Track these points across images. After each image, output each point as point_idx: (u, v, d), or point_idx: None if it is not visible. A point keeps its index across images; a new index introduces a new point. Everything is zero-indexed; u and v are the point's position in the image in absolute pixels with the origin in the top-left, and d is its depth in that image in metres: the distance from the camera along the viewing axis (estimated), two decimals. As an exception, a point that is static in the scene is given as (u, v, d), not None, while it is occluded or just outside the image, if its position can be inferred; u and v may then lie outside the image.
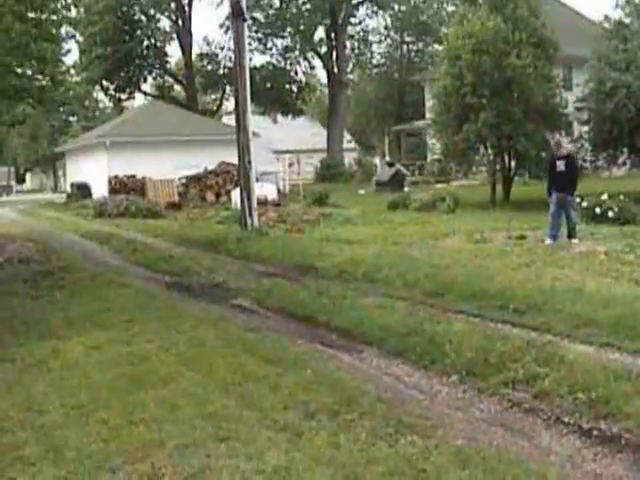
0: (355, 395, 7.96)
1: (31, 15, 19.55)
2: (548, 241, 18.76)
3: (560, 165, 19.21)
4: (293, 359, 9.41)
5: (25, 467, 6.54)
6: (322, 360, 9.53)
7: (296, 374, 8.70)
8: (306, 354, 9.80)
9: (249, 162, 21.29)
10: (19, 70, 20.45)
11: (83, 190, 49.17)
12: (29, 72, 21.06)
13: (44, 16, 20.00)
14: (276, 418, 7.36)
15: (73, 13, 23.60)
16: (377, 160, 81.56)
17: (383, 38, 77.19)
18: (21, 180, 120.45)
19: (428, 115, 46.50)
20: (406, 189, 41.92)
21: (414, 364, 9.38)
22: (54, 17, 20.68)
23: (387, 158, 63.47)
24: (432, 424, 7.17)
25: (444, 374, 8.86)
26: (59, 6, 20.98)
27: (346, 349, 10.27)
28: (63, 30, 23.37)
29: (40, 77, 21.41)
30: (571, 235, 19.06)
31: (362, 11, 70.16)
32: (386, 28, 76.03)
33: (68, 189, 55.00)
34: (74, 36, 50.02)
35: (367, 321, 11.23)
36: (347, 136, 76.87)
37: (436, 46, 71.33)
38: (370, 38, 74.39)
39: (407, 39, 76.99)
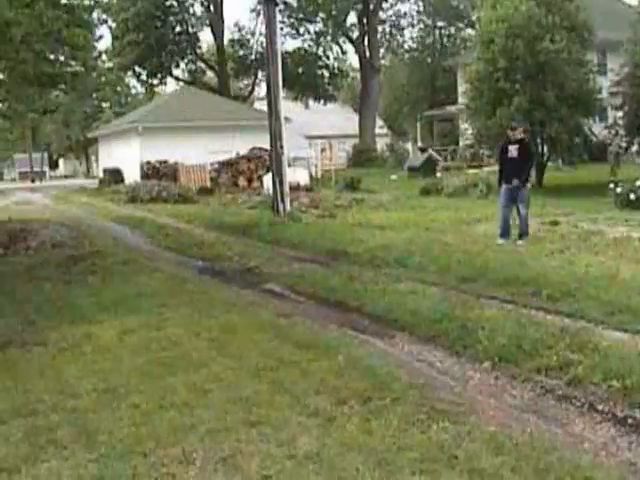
0: (387, 381, 7.92)
1: (63, 1, 19.60)
2: (499, 240, 17.10)
3: (512, 150, 17.46)
4: (325, 344, 9.39)
5: (57, 450, 6.55)
6: (354, 346, 9.50)
7: (328, 359, 8.68)
8: (338, 339, 9.78)
9: (281, 147, 21.27)
10: (52, 56, 20.51)
11: (115, 175, 49.39)
12: (62, 58, 21.12)
13: (76, 2, 20.05)
14: (307, 403, 7.34)
15: (105, -1, 23.74)
16: (409, 145, 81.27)
17: (415, 23, 76.78)
18: (54, 166, 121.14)
19: (461, 100, 46.28)
20: (438, 174, 41.75)
21: (446, 350, 9.34)
22: (86, 2, 20.74)
23: (419, 143, 63.23)
24: (464, 410, 7.12)
25: (476, 360, 8.80)
26: (91, -9, 21.08)
27: (378, 335, 10.24)
28: (95, 16, 23.40)
29: (73, 63, 21.46)
30: (521, 235, 17.28)
31: (395, -5, 69.96)
32: (418, 12, 75.63)
33: (100, 175, 55.25)
34: (106, 21, 50.21)
35: (399, 307, 11.19)
36: (379, 121, 76.60)
37: (469, 30, 71.03)
38: (402, 23, 74.10)
39: (439, 24, 76.51)
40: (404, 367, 8.64)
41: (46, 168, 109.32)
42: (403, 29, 75.31)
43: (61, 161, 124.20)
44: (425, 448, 6.23)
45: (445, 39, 77.86)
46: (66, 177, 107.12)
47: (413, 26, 76.85)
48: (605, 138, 34.82)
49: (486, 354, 8.82)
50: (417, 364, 8.87)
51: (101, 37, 31.44)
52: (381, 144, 72.92)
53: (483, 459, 5.99)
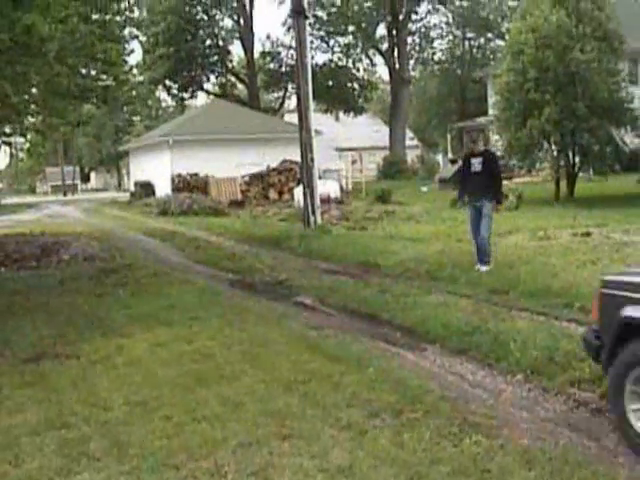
0: (419, 394, 7.90)
1: (95, 16, 19.76)
2: (480, 267, 15.01)
3: (475, 164, 15.29)
4: (356, 357, 9.38)
5: (90, 462, 6.58)
6: (385, 358, 9.49)
7: (359, 372, 8.67)
8: (369, 352, 9.77)
9: (312, 160, 21.30)
10: (84, 70, 20.69)
11: (146, 188, 49.63)
12: (93, 72, 21.29)
13: (108, 17, 20.21)
14: (339, 416, 7.33)
15: (136, 13, 23.88)
16: (439, 157, 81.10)
17: (444, 34, 76.66)
18: (86, 179, 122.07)
19: (491, 111, 46.15)
20: (469, 186, 41.59)
21: (478, 362, 9.31)
22: (118, 18, 20.90)
23: (450, 155, 63.06)
24: (497, 423, 7.09)
25: (509, 373, 8.77)
26: (122, 7, 21.21)
27: (409, 347, 10.22)
28: (127, 31, 23.55)
29: (104, 77, 21.63)
30: (482, 259, 15.08)
31: (423, 7, 69.86)
32: (447, 24, 75.48)
33: (132, 188, 55.55)
34: (137, 36, 50.52)
35: (431, 319, 11.17)
36: (409, 133, 76.58)
37: (498, 41, 70.81)
38: (431, 34, 74.02)
39: (469, 35, 76.35)
40: (436, 380, 8.62)
41: (78, 181, 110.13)
42: (433, 40, 75.23)
43: (92, 174, 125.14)
44: (457, 461, 6.21)
45: (475, 50, 77.71)
46: (97, 190, 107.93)
47: (442, 37, 76.78)
48: (637, 148, 34.56)
49: (518, 366, 8.79)
50: (449, 377, 8.84)
51: (132, 51, 31.86)
52: (411, 156, 72.90)
53: (515, 473, 5.96)
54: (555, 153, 32.93)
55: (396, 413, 7.37)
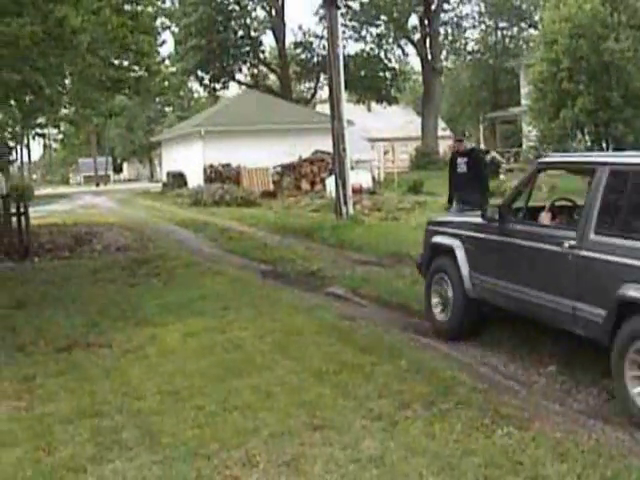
0: (451, 385, 7.88)
1: (127, 8, 19.83)
2: None
3: (461, 164, 14.67)
4: (388, 348, 9.37)
5: (122, 451, 6.62)
6: (417, 349, 9.49)
7: (391, 363, 8.66)
8: (401, 343, 9.77)
9: (344, 150, 21.27)
10: (116, 62, 20.76)
11: (178, 179, 49.72)
12: (126, 63, 21.35)
13: (140, 8, 20.26)
14: (371, 407, 7.32)
15: (168, 4, 23.95)
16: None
17: (477, 24, 76.23)
18: (118, 170, 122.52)
19: (523, 102, 45.87)
20: (502, 176, 41.38)
21: (510, 354, 9.25)
22: (150, 9, 20.93)
23: (482, 145, 62.76)
24: (529, 415, 7.05)
25: (541, 364, 8.72)
26: (154, -2, 21.29)
27: (440, 338, 10.18)
28: (158, 21, 23.60)
29: (136, 68, 21.69)
30: None
31: (456, -4, 69.53)
32: (480, 14, 75.06)
33: (164, 178, 55.70)
34: (169, 27, 50.57)
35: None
36: (441, 124, 76.23)
37: (531, 31, 70.30)
38: (464, 24, 73.63)
39: (501, 24, 75.87)
40: (467, 371, 8.59)
41: (110, 172, 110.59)
42: (465, 30, 74.82)
43: (125, 165, 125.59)
44: (489, 453, 6.18)
45: (507, 40, 77.25)
46: (130, 181, 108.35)
47: (475, 27, 76.37)
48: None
49: (551, 358, 8.73)
50: (481, 368, 8.82)
51: (164, 42, 31.86)
52: (443, 146, 72.53)
53: (548, 466, 5.92)
54: (589, 144, 32.69)
55: (428, 404, 7.35)
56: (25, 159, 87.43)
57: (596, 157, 9.70)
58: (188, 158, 49.00)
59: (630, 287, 7.04)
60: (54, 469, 6.28)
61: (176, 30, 59.99)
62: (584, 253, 7.76)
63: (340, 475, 5.95)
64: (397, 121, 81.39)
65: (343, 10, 55.63)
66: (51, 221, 28.49)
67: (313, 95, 73.01)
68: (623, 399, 7.17)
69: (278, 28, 65.16)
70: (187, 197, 38.79)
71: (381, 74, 66.88)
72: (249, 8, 66.41)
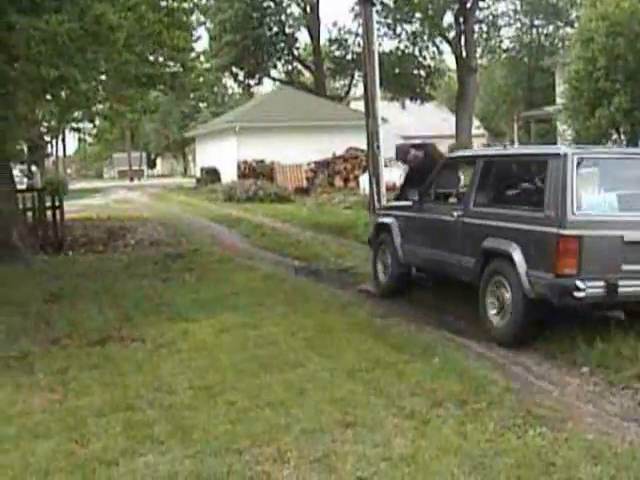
0: (483, 384, 7.87)
1: (163, 4, 19.89)
2: None
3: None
4: (421, 346, 9.37)
5: (154, 445, 6.65)
6: (450, 348, 9.48)
7: (424, 361, 8.66)
8: (434, 341, 9.76)
9: (378, 147, 21.11)
10: (151, 57, 20.81)
11: (212, 175, 49.82)
12: (161, 59, 21.41)
13: (176, 4, 20.30)
14: (403, 405, 7.32)
15: (203, 0, 24.00)
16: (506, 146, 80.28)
17: (512, 22, 75.68)
18: (152, 165, 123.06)
19: (559, 100, 45.44)
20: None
21: (544, 354, 9.21)
22: (185, 5, 20.98)
23: (516, 144, 62.43)
24: (562, 416, 7.03)
25: (574, 365, 8.69)
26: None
27: (474, 337, 10.17)
28: (194, 17, 23.65)
29: (171, 64, 21.75)
30: None
31: (492, -6, 69.08)
32: (515, 11, 74.48)
33: (197, 174, 55.84)
34: (204, 23, 50.71)
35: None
36: (475, 122, 75.85)
37: (567, 29, 69.78)
38: (499, 22, 73.13)
39: (537, 22, 75.30)
40: (500, 370, 8.59)
41: (144, 167, 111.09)
42: (500, 28, 74.32)
43: (159, 160, 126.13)
44: (521, 454, 6.16)
45: (543, 38, 76.70)
46: (163, 176, 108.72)
47: (510, 25, 75.83)
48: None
49: (584, 359, 8.67)
50: (514, 367, 8.80)
51: (199, 38, 31.96)
52: (477, 144, 72.23)
53: (581, 467, 5.89)
54: (625, 144, 32.41)
55: (460, 403, 7.34)
56: (60, 153, 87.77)
57: (475, 152, 13.24)
58: (222, 154, 49.10)
59: (489, 241, 10.15)
60: (87, 461, 6.32)
61: (211, 26, 60.12)
62: (466, 220, 10.87)
63: (371, 473, 5.94)
64: (431, 119, 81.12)
65: (378, 7, 55.52)
66: (85, 215, 28.62)
67: (347, 92, 72.88)
68: (483, 318, 10.24)
69: (313, 25, 65.12)
70: (221, 193, 38.84)
71: (415, 72, 66.64)
72: (284, 5, 66.39)
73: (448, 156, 12.99)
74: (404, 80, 64.04)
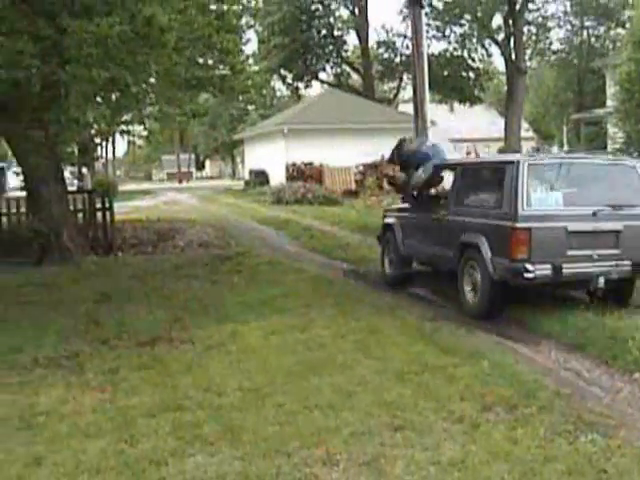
0: (533, 389, 7.80)
1: (213, 7, 19.96)
2: None
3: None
4: (470, 350, 9.32)
5: (204, 446, 6.66)
6: (499, 352, 9.41)
7: (473, 365, 8.60)
8: (483, 345, 9.71)
9: (426, 150, 21.09)
10: (201, 60, 20.90)
11: (261, 177, 50.04)
12: (210, 62, 21.49)
13: (226, 7, 20.37)
14: (452, 409, 7.28)
15: (252, 3, 24.03)
16: (555, 149, 79.78)
17: (562, 23, 75.07)
18: (201, 167, 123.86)
19: (609, 103, 45.09)
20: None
21: (594, 359, 9.17)
22: (235, 8, 21.04)
23: (565, 147, 61.95)
24: (614, 423, 6.94)
25: (626, 371, 8.60)
26: (240, -3, 21.38)
27: (523, 341, 10.14)
28: (243, 20, 23.71)
29: (221, 67, 21.82)
30: None
31: (542, -5, 68.53)
32: (565, 13, 73.88)
33: (246, 176, 56.07)
34: (253, 26, 50.80)
35: (545, 313, 11.01)
36: (524, 124, 75.35)
37: (619, 30, 69.06)
38: (549, 24, 72.52)
39: (587, 24, 74.61)
40: (550, 375, 8.52)
41: (193, 169, 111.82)
42: (550, 30, 73.71)
43: (207, 162, 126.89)
44: (572, 460, 6.10)
45: (593, 39, 76.01)
46: (212, 178, 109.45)
47: (560, 27, 75.21)
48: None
49: (637, 365, 8.58)
50: (563, 373, 8.72)
51: (248, 41, 31.83)
52: (526, 147, 71.68)
53: (635, 476, 5.84)
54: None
55: (510, 408, 7.28)
56: (110, 155, 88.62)
57: (456, 161, 14.53)
58: (271, 156, 49.26)
59: (465, 235, 12.03)
60: (137, 461, 6.36)
61: (260, 29, 60.33)
62: (450, 218, 12.82)
63: (421, 477, 5.92)
64: (479, 121, 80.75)
65: (427, 9, 55.32)
66: (135, 217, 28.84)
67: (396, 95, 72.75)
68: (461, 297, 12.13)
69: (361, 27, 65.10)
70: (269, 195, 38.96)
71: (464, 74, 66.34)
72: (333, 7, 66.45)
73: (435, 164, 14.17)
74: (453, 82, 63.76)
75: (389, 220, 15.53)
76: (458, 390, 7.79)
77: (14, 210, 20.33)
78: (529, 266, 10.72)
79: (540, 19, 69.55)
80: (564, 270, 10.86)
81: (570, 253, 11.01)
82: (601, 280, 11.22)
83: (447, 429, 6.83)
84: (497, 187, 11.70)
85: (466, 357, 8.97)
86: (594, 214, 11.15)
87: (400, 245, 14.69)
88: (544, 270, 10.79)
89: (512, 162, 11.49)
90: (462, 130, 75.57)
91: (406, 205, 15.19)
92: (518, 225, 10.91)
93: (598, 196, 11.47)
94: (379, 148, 41.82)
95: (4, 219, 20.35)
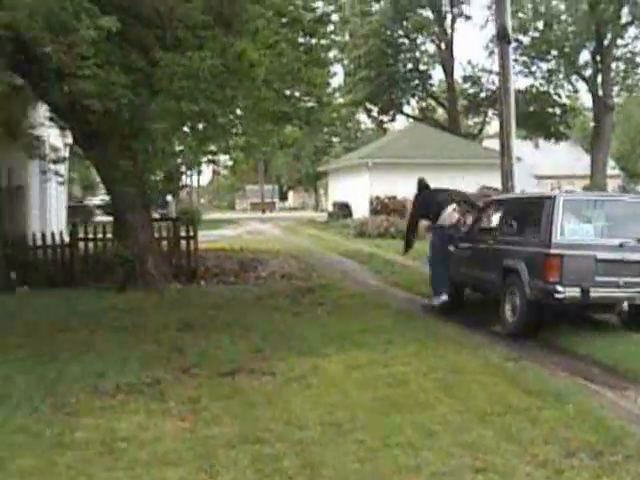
0: (619, 435, 7.61)
1: (301, 40, 20.15)
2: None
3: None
4: (554, 392, 9.14)
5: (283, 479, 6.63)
6: (584, 395, 9.22)
7: (557, 408, 8.45)
8: (567, 388, 9.51)
9: (512, 187, 20.94)
10: (288, 93, 21.09)
11: (344, 209, 50.15)
12: (297, 94, 21.67)
13: (314, 41, 20.54)
14: (535, 453, 7.14)
15: (340, 37, 24.20)
16: (641, 188, 78.54)
17: (652, 59, 73.91)
18: (284, 197, 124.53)
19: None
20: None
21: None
22: (323, 41, 21.19)
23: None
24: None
25: None
26: (328, 30, 21.50)
27: (609, 385, 9.92)
28: (331, 54, 23.87)
29: (307, 99, 21.98)
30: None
31: (631, 32, 67.65)
32: (656, 48, 72.82)
33: (329, 208, 56.24)
34: (341, 60, 51.13)
35: (632, 356, 10.79)
36: (610, 162, 74.33)
37: None
38: (638, 59, 71.50)
39: (679, 59, 73.47)
40: (638, 422, 8.30)
41: (276, 199, 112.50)
42: (638, 66, 72.69)
43: (290, 193, 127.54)
44: (657, 512, 5.93)
45: (684, 75, 74.72)
46: (295, 209, 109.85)
47: (650, 62, 74.04)
48: None
49: None
50: (650, 420, 8.49)
51: (335, 74, 32.02)
52: (612, 185, 70.69)
53: None
54: None
55: (595, 454, 7.11)
56: (195, 184, 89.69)
57: (500, 197, 17.68)
58: (354, 189, 49.35)
59: (507, 261, 13.48)
60: (217, 492, 6.37)
61: (346, 62, 60.70)
62: (495, 246, 14.37)
63: (504, 522, 5.82)
64: (564, 158, 79.85)
65: (514, 44, 55.08)
66: (218, 246, 29.06)
67: (481, 130, 72.53)
68: (502, 317, 13.53)
69: (447, 62, 65.12)
70: (352, 228, 39.02)
71: (550, 110, 65.80)
72: (419, 42, 66.63)
73: (484, 201, 17.42)
74: (538, 118, 63.27)
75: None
76: (541, 433, 7.64)
77: (100, 236, 20.70)
78: (560, 287, 12.13)
79: (629, 54, 68.57)
80: (592, 293, 12.20)
81: (598, 279, 12.27)
82: (625, 304, 12.68)
83: (530, 473, 6.69)
84: (536, 219, 13.16)
85: (550, 399, 8.80)
86: (621, 245, 12.44)
87: (454, 273, 16.19)
88: (573, 292, 12.16)
89: (550, 197, 13.15)
90: (547, 166, 74.88)
91: (461, 234, 16.44)
92: (552, 251, 12.35)
93: (626, 230, 12.81)
94: (463, 183, 41.59)
95: (90, 244, 20.71)
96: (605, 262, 12.31)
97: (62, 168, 23.60)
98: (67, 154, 28.07)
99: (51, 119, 20.31)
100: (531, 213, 13.77)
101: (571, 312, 13.65)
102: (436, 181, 40.89)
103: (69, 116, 18.36)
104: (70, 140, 24.99)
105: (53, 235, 20.51)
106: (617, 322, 13.70)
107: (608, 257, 12.33)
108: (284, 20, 18.81)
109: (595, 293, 12.19)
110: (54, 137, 25.94)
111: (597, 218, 12.96)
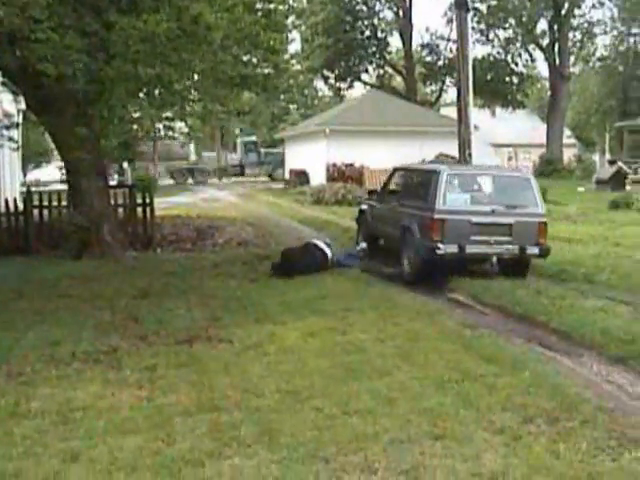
0: (575, 402, 7.68)
1: (259, 6, 19.95)
2: None
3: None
4: (511, 359, 9.21)
5: (240, 447, 6.62)
6: (541, 362, 9.29)
7: (514, 375, 8.50)
8: (524, 355, 9.59)
9: (469, 155, 20.93)
10: (245, 58, 20.88)
11: (301, 177, 50.04)
12: (254, 60, 21.47)
13: (272, 6, 20.35)
14: (493, 419, 7.19)
15: (297, 3, 23.98)
16: (597, 157, 79.14)
17: (608, 30, 74.31)
18: (241, 165, 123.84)
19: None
20: (628, 188, 40.41)
21: (638, 373, 8.99)
22: (281, 7, 21.00)
23: (608, 155, 61.41)
24: (659, 440, 6.78)
25: (672, 386, 8.42)
26: (287, -4, 21.32)
27: (565, 352, 10.00)
28: (289, 20, 23.66)
29: (265, 65, 21.80)
30: None
31: (588, 1, 68.01)
32: (612, 19, 73.17)
33: (286, 175, 56.09)
34: (297, 26, 50.82)
35: (588, 324, 10.88)
36: (566, 131, 74.79)
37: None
38: (595, 30, 71.88)
39: (634, 30, 73.84)
40: (592, 388, 8.38)
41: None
42: (595, 36, 73.02)
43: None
44: (616, 478, 6.01)
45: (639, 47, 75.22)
46: (252, 176, 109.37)
47: (606, 33, 74.44)
48: None
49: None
50: (606, 386, 8.59)
51: (292, 40, 31.79)
52: (568, 154, 71.21)
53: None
54: None
55: (552, 420, 7.18)
56: (151, 151, 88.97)
57: (402, 166, 20.01)
58: (311, 156, 49.21)
59: (404, 221, 16.16)
60: (173, 461, 6.34)
61: (304, 28, 60.39)
62: (398, 209, 17.03)
63: (462, 489, 5.83)
64: (521, 127, 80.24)
65: (472, 12, 55.07)
66: (174, 213, 28.87)
67: (438, 98, 72.55)
68: (401, 268, 16.10)
69: (405, 29, 65.02)
70: (309, 195, 38.87)
71: (507, 79, 66.00)
72: (377, 9, 66.47)
73: (394, 168, 20.04)
74: (495, 87, 63.50)
75: (363, 206, 20.68)
76: (499, 400, 7.69)
77: (55, 203, 20.44)
78: (440, 245, 14.64)
79: (586, 25, 68.85)
80: (467, 250, 14.78)
81: (472, 238, 14.80)
82: (494, 258, 15.47)
83: (487, 440, 6.74)
84: (427, 187, 15.51)
85: (507, 366, 8.86)
86: (492, 211, 15.02)
87: (369, 224, 19.66)
88: (452, 249, 14.66)
89: (436, 170, 15.62)
90: (503, 135, 75.19)
91: (374, 196, 20.31)
92: (435, 216, 14.84)
93: (498, 198, 15.24)
94: (420, 151, 41.76)
95: (45, 212, 20.45)
96: (479, 225, 14.83)
97: (15, 134, 23.23)
98: (21, 120, 27.69)
99: (3, 84, 19.95)
100: (423, 183, 16.22)
101: (454, 264, 15.55)
102: (393, 149, 41.13)
103: (22, 81, 18.05)
104: (24, 106, 24.61)
105: (7, 202, 20.19)
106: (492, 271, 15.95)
107: (481, 221, 14.88)
108: (241, -17, 18.59)
109: (470, 250, 14.81)
110: (7, 103, 25.56)
111: (474, 189, 15.49)
